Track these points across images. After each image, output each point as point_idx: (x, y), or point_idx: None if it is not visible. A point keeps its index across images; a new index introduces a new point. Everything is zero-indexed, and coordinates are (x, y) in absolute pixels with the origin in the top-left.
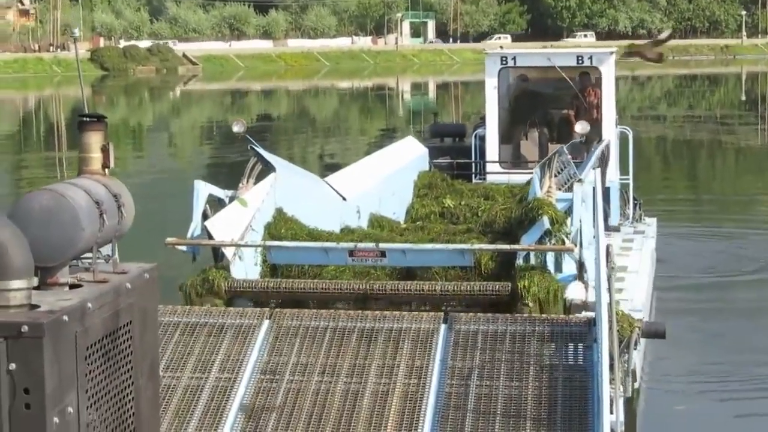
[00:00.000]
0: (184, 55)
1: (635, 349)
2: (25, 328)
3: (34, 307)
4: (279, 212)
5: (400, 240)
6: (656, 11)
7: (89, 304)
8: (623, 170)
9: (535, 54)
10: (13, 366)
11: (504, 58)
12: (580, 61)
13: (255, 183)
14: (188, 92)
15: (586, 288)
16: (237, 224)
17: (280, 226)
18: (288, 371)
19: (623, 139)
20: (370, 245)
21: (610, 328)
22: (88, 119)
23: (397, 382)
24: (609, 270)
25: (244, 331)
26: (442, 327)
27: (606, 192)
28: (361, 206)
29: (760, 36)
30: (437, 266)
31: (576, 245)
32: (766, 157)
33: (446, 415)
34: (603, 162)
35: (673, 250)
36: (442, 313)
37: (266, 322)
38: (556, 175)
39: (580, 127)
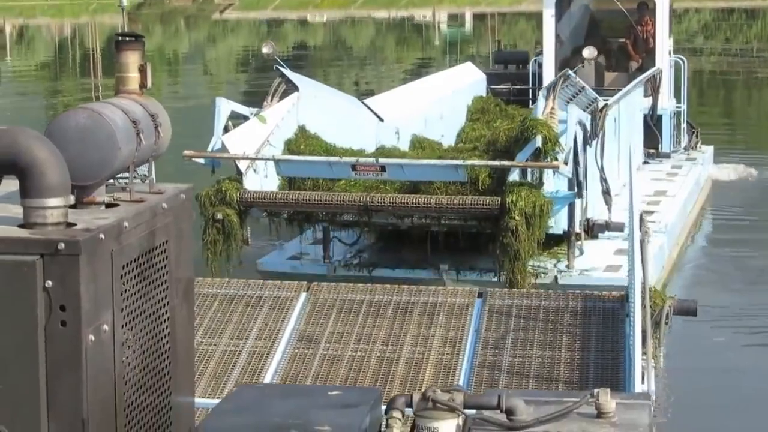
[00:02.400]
0: None
1: (666, 324)
2: (61, 246)
3: (70, 225)
4: (301, 129)
5: (413, 157)
6: None
7: (125, 223)
8: (678, 99)
9: None
10: (49, 283)
11: None
12: None
13: (279, 101)
14: (224, 21)
15: (609, 208)
16: (254, 139)
17: (300, 142)
18: (324, 339)
19: (677, 68)
20: (370, 160)
21: (643, 305)
22: (125, 39)
23: (432, 350)
24: (643, 234)
25: (282, 302)
26: (477, 301)
27: (658, 119)
28: (401, 127)
29: None
30: (438, 182)
31: (566, 164)
32: None
33: (479, 381)
34: (654, 90)
35: (727, 179)
36: (477, 288)
37: (303, 295)
38: (570, 100)
39: (588, 52)
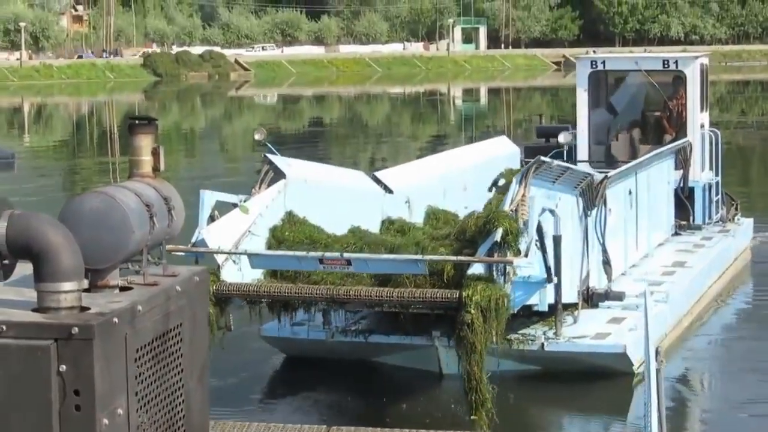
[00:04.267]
0: (236, 61)
1: None
2: (75, 330)
3: (84, 309)
4: (289, 215)
5: (395, 241)
6: (708, 17)
7: (139, 307)
8: (714, 171)
9: (623, 58)
10: (63, 368)
11: (594, 62)
12: (666, 66)
13: (268, 188)
14: (240, 98)
15: (609, 278)
16: (234, 231)
17: (285, 229)
18: None
19: (713, 141)
20: (336, 255)
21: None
22: (138, 122)
23: None
24: (659, 363)
25: None
26: None
27: (690, 191)
28: (414, 198)
29: None
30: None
31: (527, 255)
32: None
33: None
34: (684, 162)
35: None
36: None
37: None
38: (555, 180)
39: (563, 138)
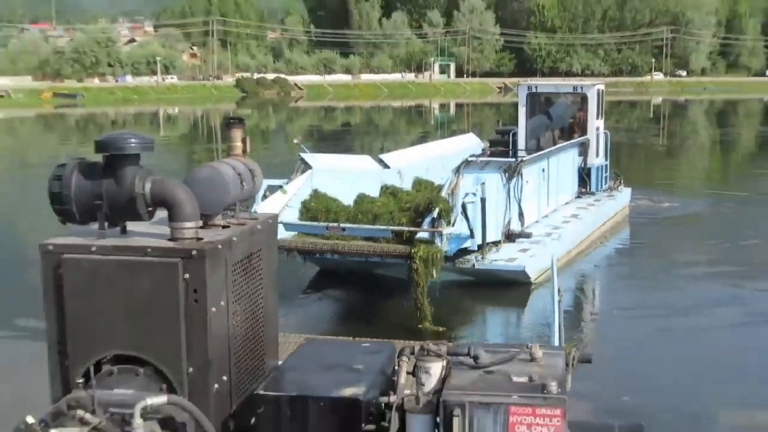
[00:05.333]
0: (295, 84)
1: (573, 366)
2: (194, 252)
3: (199, 239)
4: (315, 192)
5: (378, 206)
6: (597, 59)
7: (234, 238)
8: (605, 157)
9: (549, 84)
10: (187, 276)
11: (530, 87)
12: (575, 90)
13: (301, 175)
14: (296, 108)
15: (522, 224)
16: (277, 205)
17: (312, 201)
18: None
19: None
20: (336, 225)
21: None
22: (233, 120)
23: None
24: (559, 296)
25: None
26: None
27: (588, 171)
28: (404, 171)
29: (663, 75)
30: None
31: (453, 225)
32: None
33: None
34: (585, 152)
35: (641, 215)
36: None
37: None
38: (483, 168)
39: (486, 144)
